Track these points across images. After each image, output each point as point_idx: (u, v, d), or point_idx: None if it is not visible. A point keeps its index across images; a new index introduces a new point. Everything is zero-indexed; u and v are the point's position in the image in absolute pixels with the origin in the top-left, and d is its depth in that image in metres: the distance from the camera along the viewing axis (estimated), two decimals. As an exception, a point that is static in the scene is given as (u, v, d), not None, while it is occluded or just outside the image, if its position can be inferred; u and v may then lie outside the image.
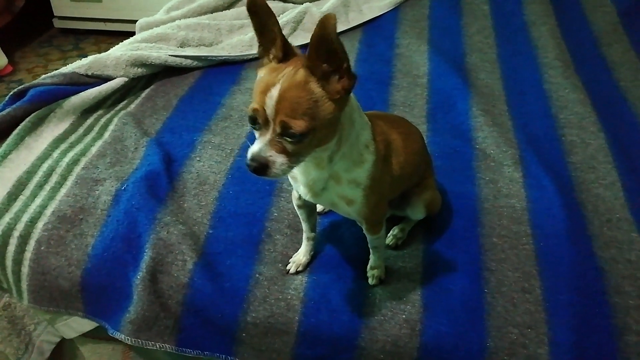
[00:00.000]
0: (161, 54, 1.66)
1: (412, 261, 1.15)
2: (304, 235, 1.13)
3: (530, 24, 2.07)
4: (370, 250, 1.09)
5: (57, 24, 3.49)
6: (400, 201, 1.15)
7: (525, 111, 1.60)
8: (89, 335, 1.25)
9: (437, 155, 1.38)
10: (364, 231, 1.04)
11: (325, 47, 0.74)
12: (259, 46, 0.84)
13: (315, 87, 0.77)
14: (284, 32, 1.92)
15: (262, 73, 0.83)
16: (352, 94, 0.85)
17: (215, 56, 1.76)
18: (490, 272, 1.11)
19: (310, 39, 0.75)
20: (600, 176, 1.35)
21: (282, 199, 1.27)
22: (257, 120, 0.79)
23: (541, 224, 1.22)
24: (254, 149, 0.79)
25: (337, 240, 1.20)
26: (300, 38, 1.92)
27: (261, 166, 0.79)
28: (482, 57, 1.87)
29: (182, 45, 1.79)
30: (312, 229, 1.12)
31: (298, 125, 0.76)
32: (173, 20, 1.91)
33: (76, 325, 1.21)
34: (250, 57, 1.81)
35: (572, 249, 1.15)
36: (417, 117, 1.56)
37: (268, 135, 0.78)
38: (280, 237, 1.19)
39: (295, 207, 1.10)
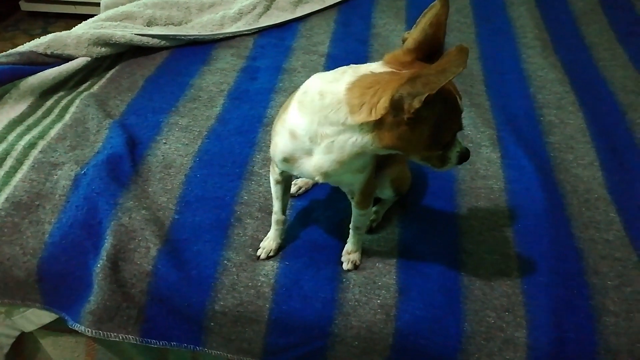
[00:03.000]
0: (126, 32, 1.58)
1: (387, 245, 1.11)
2: (273, 218, 1.08)
3: (509, 3, 2.04)
4: (351, 231, 1.05)
5: (24, 6, 3.35)
6: None
7: (504, 91, 1.58)
8: (49, 328, 1.18)
9: (414, 136, 1.34)
10: (353, 206, 1.00)
11: None
12: None
13: None
14: (258, 9, 1.88)
15: None
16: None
17: (184, 35, 1.69)
18: (467, 254, 1.08)
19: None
20: (579, 156, 1.34)
21: (253, 182, 1.22)
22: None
23: (519, 204, 1.19)
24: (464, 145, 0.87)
25: (311, 224, 1.16)
26: (273, 17, 1.85)
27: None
28: (460, 37, 1.83)
29: (149, 24, 1.71)
30: (283, 210, 1.07)
31: None
32: (140, -2, 1.82)
33: (34, 317, 1.15)
34: (221, 36, 1.74)
35: (551, 230, 1.13)
36: (393, 97, 1.51)
37: None
38: (251, 221, 1.14)
39: (272, 183, 1.04)
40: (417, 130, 0.76)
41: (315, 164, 0.87)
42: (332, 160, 0.85)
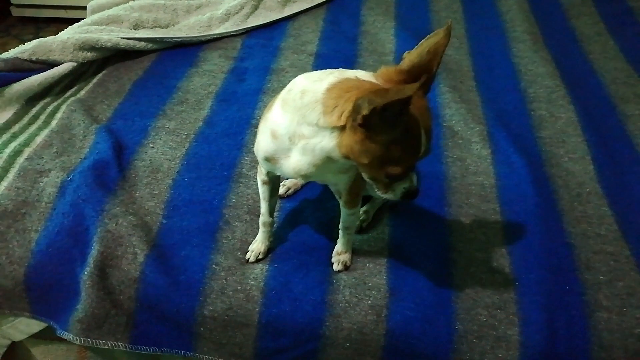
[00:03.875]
0: (112, 36, 1.57)
1: (377, 245, 1.10)
2: (261, 220, 1.07)
3: (498, -3, 2.03)
4: (341, 232, 1.04)
5: (15, 12, 3.32)
6: None
7: (494, 86, 1.57)
8: (40, 337, 1.18)
9: (403, 134, 1.33)
10: (342, 206, 0.99)
11: None
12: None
13: None
14: (246, 10, 1.87)
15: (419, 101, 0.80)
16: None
17: (171, 37, 1.67)
18: (458, 253, 1.07)
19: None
20: (570, 150, 1.33)
21: (241, 184, 1.21)
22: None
23: (510, 201, 1.18)
24: (414, 180, 0.86)
25: (300, 226, 1.15)
26: (261, 17, 1.84)
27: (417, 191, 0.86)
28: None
29: (136, 27, 1.69)
30: (271, 212, 1.06)
31: None
32: (126, 1, 1.81)
33: (23, 326, 1.14)
34: (209, 37, 1.73)
35: (542, 226, 1.12)
36: (383, 95, 1.50)
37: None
38: (240, 224, 1.13)
39: (260, 184, 1.03)
40: (370, 145, 0.76)
41: (293, 166, 0.86)
42: (307, 162, 0.84)
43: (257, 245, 1.07)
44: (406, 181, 0.84)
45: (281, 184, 1.16)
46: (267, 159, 0.90)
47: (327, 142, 0.79)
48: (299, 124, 0.81)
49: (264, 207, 1.05)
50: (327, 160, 0.83)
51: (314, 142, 0.81)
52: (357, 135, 0.75)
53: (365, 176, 0.85)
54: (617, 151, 1.33)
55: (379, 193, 0.86)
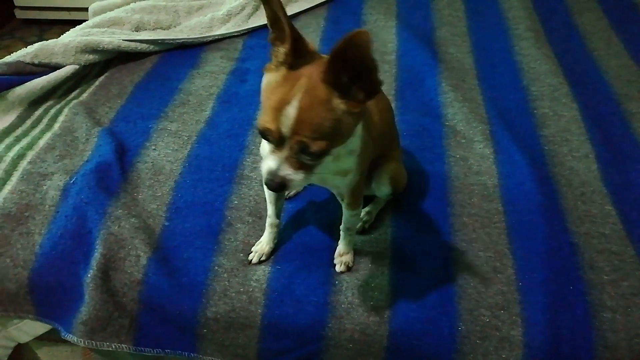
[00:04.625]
0: (114, 38, 1.57)
1: (380, 245, 1.10)
2: (268, 222, 1.07)
3: (500, -6, 2.01)
4: (342, 233, 1.04)
5: (19, 14, 3.33)
6: (366, 177, 1.09)
7: (496, 85, 1.56)
8: (45, 338, 1.18)
9: (406, 134, 1.33)
10: (344, 207, 0.99)
11: (355, 64, 0.68)
12: (271, 33, 0.76)
13: (337, 103, 0.71)
14: (247, 10, 1.86)
15: (271, 78, 0.75)
16: None
17: (173, 39, 1.67)
18: (461, 253, 1.07)
19: (333, 54, 0.67)
20: (574, 148, 1.32)
21: (243, 186, 1.21)
22: (269, 138, 0.74)
23: (513, 200, 1.18)
24: (270, 165, 0.75)
25: (302, 227, 1.14)
26: (262, 18, 1.83)
27: (280, 185, 0.76)
28: (451, 30, 1.81)
29: (137, 29, 1.69)
30: (278, 214, 1.06)
31: (318, 145, 0.72)
32: (128, 3, 1.81)
33: (28, 328, 1.15)
34: (210, 39, 1.73)
35: (546, 225, 1.12)
36: (386, 95, 1.49)
37: (284, 153, 0.74)
38: (242, 226, 1.13)
39: (265, 187, 1.03)
40: None
41: None
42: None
43: (262, 246, 1.07)
44: (270, 160, 0.76)
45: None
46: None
47: None
48: None
49: (270, 209, 1.05)
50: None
51: None
52: None
53: None
54: (621, 149, 1.32)
55: None
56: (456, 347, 0.94)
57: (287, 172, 0.75)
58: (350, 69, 0.69)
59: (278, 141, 0.74)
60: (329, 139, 0.72)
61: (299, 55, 0.74)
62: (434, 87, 1.52)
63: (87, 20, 1.80)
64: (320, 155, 0.73)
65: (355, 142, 0.86)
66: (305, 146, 0.72)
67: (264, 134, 0.75)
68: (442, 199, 1.18)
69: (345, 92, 0.71)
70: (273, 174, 0.75)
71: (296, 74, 0.73)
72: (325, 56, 0.72)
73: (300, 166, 0.75)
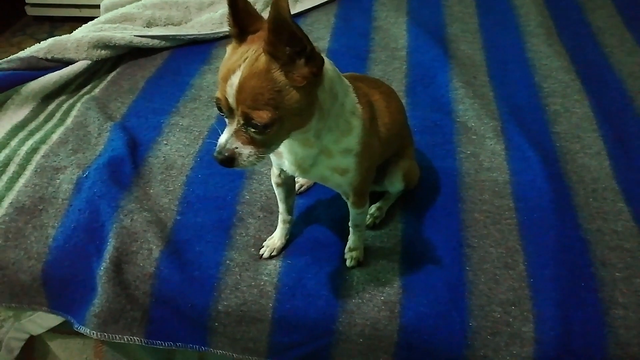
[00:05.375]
0: (126, 34, 1.58)
1: (390, 241, 1.10)
2: (280, 218, 1.07)
3: (512, -9, 2.00)
4: (351, 229, 1.04)
5: (30, 11, 3.36)
6: (378, 173, 1.09)
7: (508, 81, 1.55)
8: (57, 331, 1.19)
9: (417, 130, 1.33)
10: (350, 206, 0.99)
11: (284, 30, 0.68)
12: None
13: (278, 75, 0.71)
14: (258, 6, 1.86)
15: (227, 52, 0.76)
16: (329, 63, 0.79)
17: (184, 35, 1.68)
18: (472, 249, 1.07)
19: (267, 23, 0.68)
20: (586, 145, 1.31)
21: (254, 181, 1.21)
22: (221, 108, 0.75)
23: (525, 196, 1.17)
24: (221, 140, 0.75)
25: (313, 222, 1.15)
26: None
27: (227, 159, 0.75)
28: (462, 27, 1.81)
29: (149, 25, 1.71)
30: (289, 211, 1.07)
31: (260, 116, 0.71)
32: (139, -1, 1.82)
33: (41, 320, 1.16)
34: (221, 35, 1.74)
35: (557, 222, 1.11)
36: (396, 91, 1.49)
37: (234, 126, 0.74)
38: (253, 221, 1.13)
39: (274, 186, 1.04)
40: None
41: (294, 156, 0.87)
42: (298, 151, 0.85)
43: (273, 241, 1.07)
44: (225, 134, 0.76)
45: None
46: (274, 153, 0.91)
47: None
48: None
49: (281, 207, 1.06)
50: (305, 144, 0.84)
51: None
52: None
53: None
54: (634, 147, 1.31)
55: None
56: (467, 342, 0.94)
57: (235, 145, 0.74)
58: (287, 39, 0.69)
59: (228, 113, 0.74)
60: (270, 111, 0.71)
61: (243, 25, 0.74)
62: (445, 84, 1.52)
63: (97, 17, 1.81)
64: (265, 127, 0.72)
65: (349, 140, 0.86)
66: (248, 117, 0.72)
67: (217, 106, 0.76)
68: (453, 195, 1.18)
69: (289, 64, 0.71)
70: (221, 147, 0.75)
71: (244, 45, 0.74)
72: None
73: (249, 141, 0.74)
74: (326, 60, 0.77)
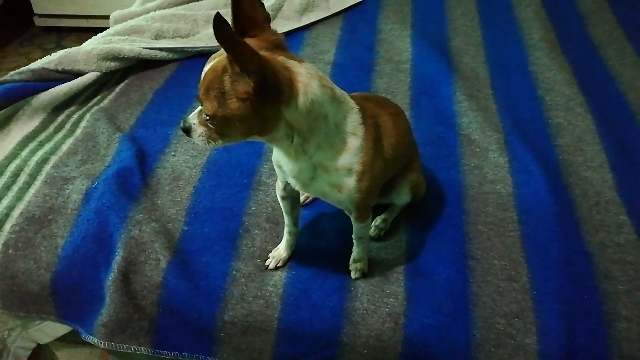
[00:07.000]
0: (134, 46, 1.61)
1: (395, 252, 1.11)
2: (285, 229, 1.09)
3: (515, 5, 2.03)
4: (355, 241, 1.05)
5: (38, 22, 3.40)
6: (384, 187, 1.10)
7: (511, 94, 1.56)
8: (64, 340, 1.21)
9: (421, 142, 1.33)
10: (352, 220, 1.00)
11: (227, 48, 0.70)
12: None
13: (227, 79, 0.76)
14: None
15: None
16: (318, 87, 0.80)
17: (192, 47, 1.71)
18: (476, 261, 1.08)
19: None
20: (588, 158, 1.32)
21: (261, 192, 1.23)
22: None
23: (528, 209, 1.18)
24: (190, 114, 0.87)
25: (318, 233, 1.16)
26: (279, 27, 1.86)
27: (185, 129, 0.87)
28: (466, 40, 1.83)
29: (157, 37, 1.73)
30: (295, 222, 1.08)
31: (206, 106, 0.79)
32: (148, 12, 1.85)
33: (49, 329, 1.17)
34: (228, 47, 1.76)
35: (560, 234, 1.12)
36: (400, 103, 1.49)
37: (199, 107, 0.84)
38: (259, 232, 1.15)
39: (279, 198, 1.05)
40: None
41: (289, 170, 0.90)
42: (298, 166, 0.88)
43: (279, 252, 1.09)
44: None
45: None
46: (279, 166, 0.94)
47: None
48: None
49: (287, 219, 1.07)
50: (289, 155, 0.87)
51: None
52: None
53: None
54: (636, 160, 1.31)
55: None
56: (470, 354, 0.95)
57: (194, 121, 0.85)
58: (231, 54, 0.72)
59: (199, 97, 0.82)
60: (215, 107, 0.77)
61: (243, 29, 0.81)
62: (449, 96, 1.53)
63: (104, 27, 1.84)
64: (210, 118, 0.79)
65: (349, 159, 0.87)
66: (201, 103, 0.81)
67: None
68: (457, 207, 1.19)
69: (238, 75, 0.74)
70: (185, 119, 0.87)
71: None
72: (273, 30, 0.83)
73: (204, 124, 0.83)
74: (315, 84, 0.79)
